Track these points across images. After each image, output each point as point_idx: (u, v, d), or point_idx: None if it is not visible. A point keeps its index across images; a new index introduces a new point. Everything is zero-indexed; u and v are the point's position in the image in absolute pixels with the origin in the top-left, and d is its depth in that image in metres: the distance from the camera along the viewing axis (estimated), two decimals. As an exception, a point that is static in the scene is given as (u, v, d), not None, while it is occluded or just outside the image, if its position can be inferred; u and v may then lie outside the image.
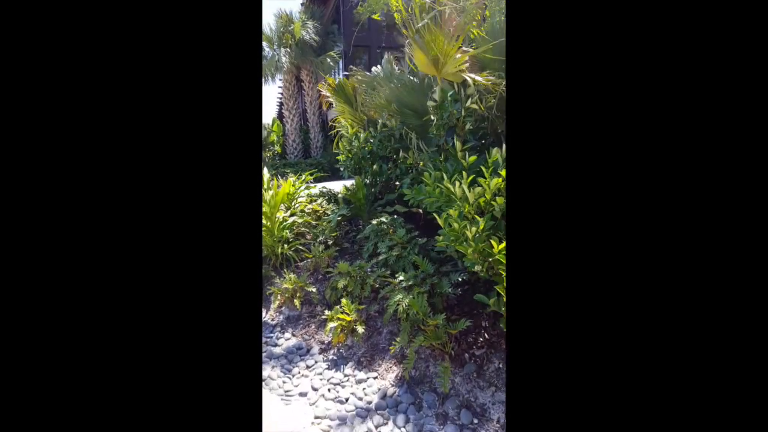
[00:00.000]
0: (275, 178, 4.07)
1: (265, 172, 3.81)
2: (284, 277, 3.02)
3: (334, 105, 4.53)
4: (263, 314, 2.92)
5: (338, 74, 12.96)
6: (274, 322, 2.81)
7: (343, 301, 2.46)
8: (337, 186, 6.20)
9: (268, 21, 12.86)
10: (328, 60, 11.50)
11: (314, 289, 2.88)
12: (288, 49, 11.09)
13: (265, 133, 12.92)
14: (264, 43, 11.69)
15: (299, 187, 4.24)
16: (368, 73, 3.78)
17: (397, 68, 3.66)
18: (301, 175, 4.50)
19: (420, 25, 2.45)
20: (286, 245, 3.37)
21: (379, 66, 3.71)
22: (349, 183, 4.01)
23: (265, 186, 3.59)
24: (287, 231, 3.44)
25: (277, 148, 13.27)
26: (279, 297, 2.90)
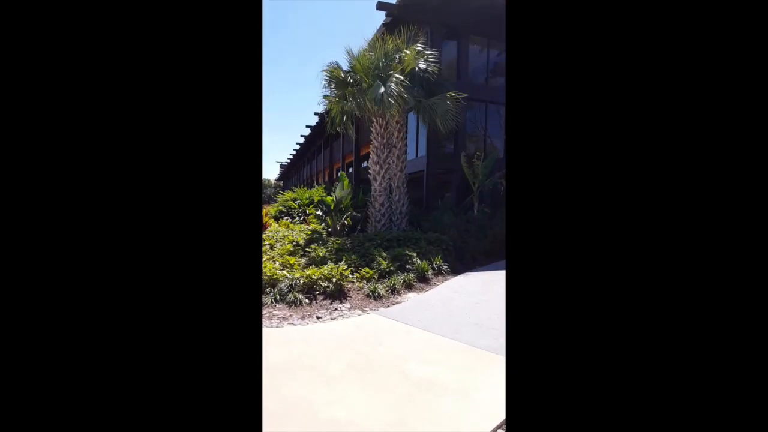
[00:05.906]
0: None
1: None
2: None
3: None
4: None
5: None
6: None
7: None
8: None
9: (359, 45, 9.79)
10: (448, 103, 8.34)
11: None
12: (399, 84, 7.94)
13: (337, 193, 9.47)
14: (359, 75, 8.65)
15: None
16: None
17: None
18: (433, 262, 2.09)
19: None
20: None
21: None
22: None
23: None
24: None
25: (350, 209, 9.75)
26: None
